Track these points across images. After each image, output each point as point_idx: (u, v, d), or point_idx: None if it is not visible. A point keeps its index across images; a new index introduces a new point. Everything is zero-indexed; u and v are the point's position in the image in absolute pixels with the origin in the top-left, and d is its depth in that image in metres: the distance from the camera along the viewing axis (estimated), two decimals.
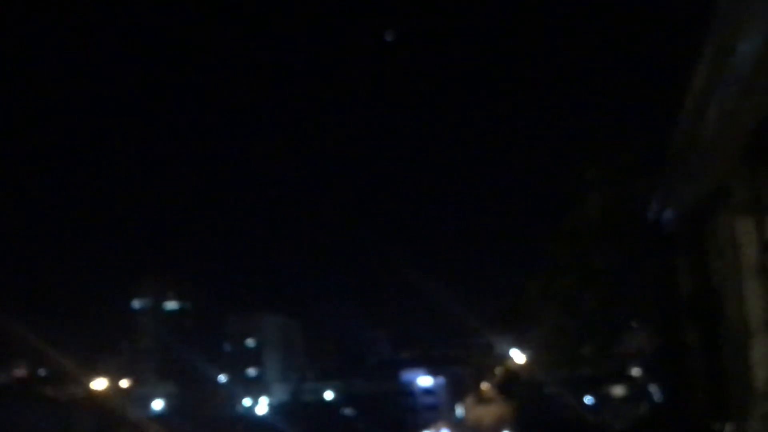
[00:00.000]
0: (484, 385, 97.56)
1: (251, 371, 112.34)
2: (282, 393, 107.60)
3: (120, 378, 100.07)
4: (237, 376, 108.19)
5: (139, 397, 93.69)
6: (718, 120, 6.22)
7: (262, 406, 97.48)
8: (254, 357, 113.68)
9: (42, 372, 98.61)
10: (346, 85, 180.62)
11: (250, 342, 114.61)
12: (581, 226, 14.49)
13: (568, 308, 15.33)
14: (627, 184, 13.25)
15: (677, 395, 10.73)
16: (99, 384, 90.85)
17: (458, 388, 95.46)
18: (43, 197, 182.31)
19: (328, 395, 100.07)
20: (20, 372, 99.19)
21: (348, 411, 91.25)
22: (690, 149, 7.39)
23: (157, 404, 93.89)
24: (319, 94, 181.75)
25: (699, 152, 7.09)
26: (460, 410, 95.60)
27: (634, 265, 13.90)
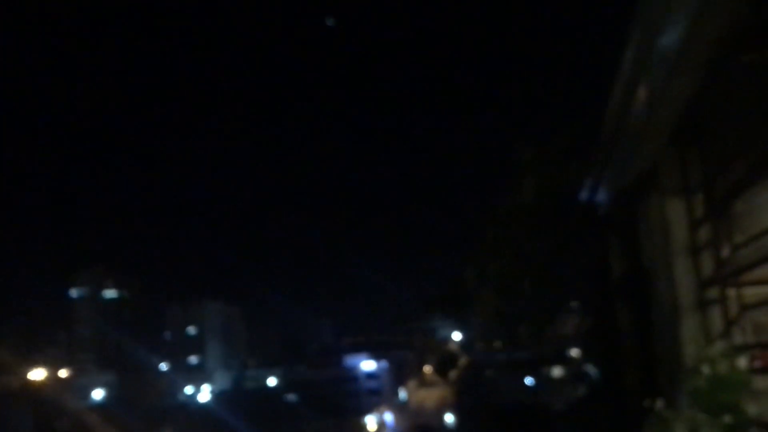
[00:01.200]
0: (426, 369, 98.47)
1: (193, 359, 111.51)
2: (224, 380, 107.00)
3: (58, 368, 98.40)
4: (178, 364, 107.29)
5: (78, 387, 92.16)
6: (647, 102, 6.25)
7: (205, 394, 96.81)
8: (195, 345, 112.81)
9: None
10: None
11: (191, 330, 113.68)
12: (516, 209, 14.53)
13: (504, 291, 15.36)
14: (561, 167, 13.31)
15: (611, 375, 10.90)
16: (37, 374, 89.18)
17: (401, 372, 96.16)
18: None
19: (271, 382, 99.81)
20: None
21: (291, 397, 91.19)
22: (620, 131, 7.33)
23: (97, 394, 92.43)
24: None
25: (629, 134, 7.10)
26: (402, 394, 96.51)
27: (568, 248, 14.00)
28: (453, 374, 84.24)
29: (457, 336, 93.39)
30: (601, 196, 9.50)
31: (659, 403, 5.37)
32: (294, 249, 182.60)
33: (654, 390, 6.71)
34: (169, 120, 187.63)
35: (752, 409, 5.28)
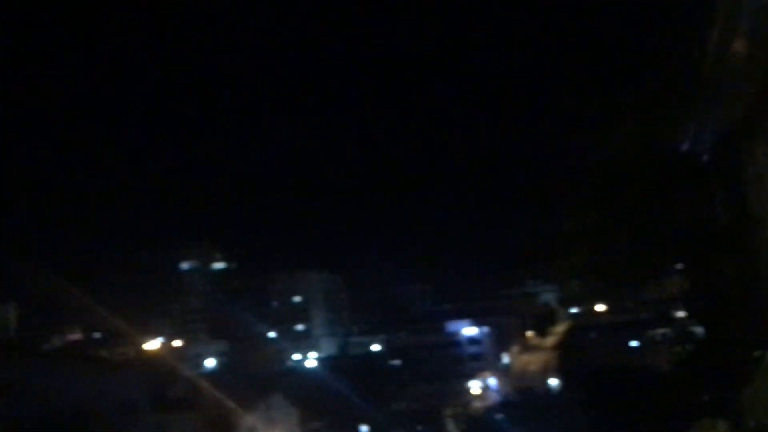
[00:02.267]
0: (529, 334, 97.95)
1: (299, 327, 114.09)
2: (330, 347, 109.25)
3: (172, 338, 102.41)
4: (285, 332, 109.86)
5: (191, 355, 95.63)
6: (750, 42, 5.91)
7: (311, 361, 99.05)
8: (301, 313, 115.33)
9: (96, 335, 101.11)
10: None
11: (296, 299, 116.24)
12: (611, 157, 13.63)
13: (599, 247, 14.49)
14: (660, 111, 12.39)
15: (717, 329, 10.57)
16: (152, 344, 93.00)
17: (503, 338, 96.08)
18: (94, 164, 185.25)
19: (375, 348, 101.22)
20: (74, 335, 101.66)
21: (395, 363, 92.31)
22: (722, 72, 6.95)
23: (209, 362, 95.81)
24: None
25: (732, 75, 6.73)
26: (505, 359, 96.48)
27: (669, 197, 13.14)
28: (555, 338, 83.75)
29: (556, 300, 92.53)
30: (704, 142, 8.96)
31: None
32: (394, 216, 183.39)
33: (763, 341, 6.46)
34: (269, 92, 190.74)
35: None
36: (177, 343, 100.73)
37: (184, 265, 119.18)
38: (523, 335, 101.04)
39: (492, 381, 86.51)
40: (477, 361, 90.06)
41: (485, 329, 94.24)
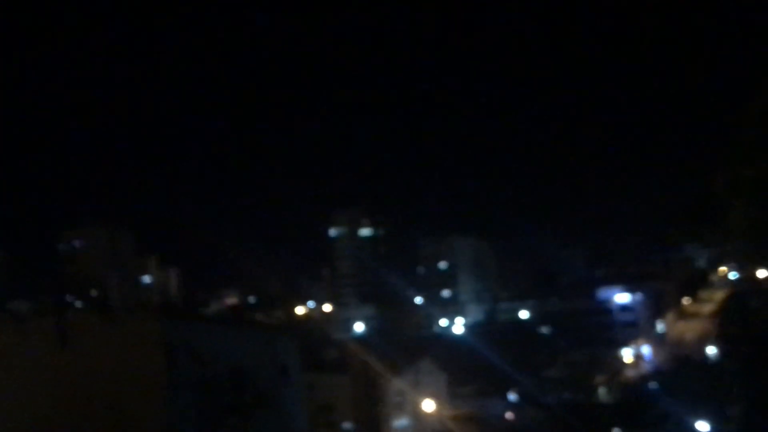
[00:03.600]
0: (685, 300, 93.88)
1: (446, 293, 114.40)
2: (477, 313, 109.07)
3: (322, 303, 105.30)
4: (432, 297, 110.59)
5: (341, 320, 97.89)
6: None
7: (458, 326, 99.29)
8: (448, 279, 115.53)
9: (251, 299, 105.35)
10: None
11: (443, 264, 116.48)
12: (766, 109, 12.41)
13: (761, 201, 13.20)
14: None
15: None
16: (304, 309, 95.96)
17: (657, 304, 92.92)
18: (249, 137, 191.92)
19: (523, 314, 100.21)
20: (232, 300, 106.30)
21: (544, 330, 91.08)
22: None
23: (359, 326, 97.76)
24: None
25: None
26: (660, 326, 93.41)
27: None
28: (713, 305, 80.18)
29: (714, 265, 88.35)
30: None
31: None
32: (545, 180, 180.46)
33: None
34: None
35: None
36: (327, 307, 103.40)
37: (334, 231, 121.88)
38: (679, 302, 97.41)
39: (645, 349, 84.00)
40: (630, 328, 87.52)
41: (638, 296, 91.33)
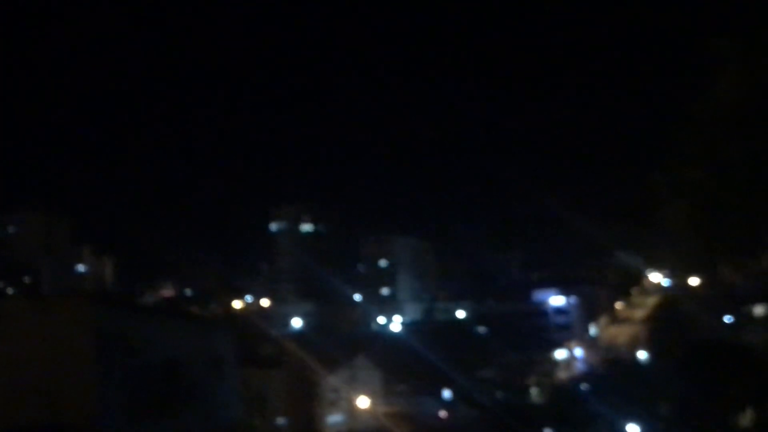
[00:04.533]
0: (619, 305, 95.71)
1: (385, 291, 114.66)
2: (415, 312, 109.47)
3: (260, 297, 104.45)
4: (371, 295, 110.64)
5: (279, 315, 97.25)
6: None
7: (396, 325, 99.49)
8: (388, 277, 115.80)
9: (187, 292, 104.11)
10: None
11: (383, 263, 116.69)
12: (712, 110, 12.53)
13: (700, 205, 13.33)
14: (763, 59, 11.35)
15: None
16: (241, 303, 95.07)
17: (591, 308, 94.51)
18: (190, 129, 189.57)
19: (460, 314, 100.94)
20: (168, 292, 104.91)
21: (480, 330, 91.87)
22: None
23: (296, 322, 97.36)
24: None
25: None
26: (593, 329, 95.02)
27: None
28: (645, 310, 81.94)
29: (652, 273, 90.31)
30: None
31: None
32: (483, 183, 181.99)
33: None
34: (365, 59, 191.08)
35: None
36: (265, 302, 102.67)
37: (275, 227, 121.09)
38: (612, 306, 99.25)
39: (578, 351, 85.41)
40: (564, 330, 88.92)
41: (573, 299, 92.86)
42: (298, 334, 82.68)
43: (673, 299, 74.67)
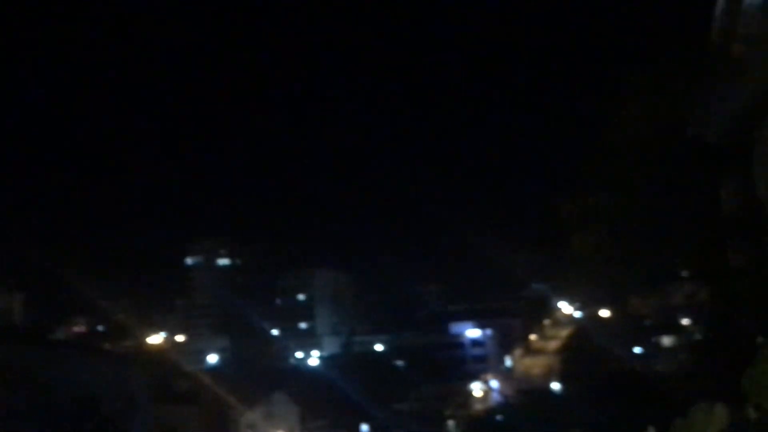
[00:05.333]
0: (533, 337, 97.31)
1: (303, 325, 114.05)
2: (333, 346, 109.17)
3: (175, 333, 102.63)
4: (289, 329, 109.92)
5: (194, 350, 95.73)
6: (759, 14, 5.62)
7: (314, 359, 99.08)
8: (306, 311, 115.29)
9: (100, 327, 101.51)
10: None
11: (301, 296, 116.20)
12: (620, 140, 13.22)
13: (608, 230, 14.01)
14: (668, 93, 12.03)
15: (724, 316, 10.33)
16: (155, 339, 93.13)
17: (506, 340, 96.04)
18: (101, 161, 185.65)
19: (379, 348, 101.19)
20: (79, 327, 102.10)
21: (398, 363, 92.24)
22: (730, 48, 6.56)
23: (212, 358, 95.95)
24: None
25: (741, 50, 6.37)
26: (508, 361, 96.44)
27: (677, 182, 12.76)
28: (558, 342, 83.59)
29: (565, 305, 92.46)
30: (713, 124, 8.40)
31: None
32: (401, 217, 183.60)
33: None
34: (280, 87, 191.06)
35: None
36: (180, 338, 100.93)
37: (191, 260, 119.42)
38: (527, 338, 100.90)
39: (494, 383, 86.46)
40: (480, 362, 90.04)
41: (489, 331, 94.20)
42: (214, 370, 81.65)
43: (584, 330, 76.43)
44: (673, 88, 11.88)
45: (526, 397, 63.99)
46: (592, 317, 78.06)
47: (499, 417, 59.91)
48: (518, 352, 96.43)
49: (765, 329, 6.25)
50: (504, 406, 67.61)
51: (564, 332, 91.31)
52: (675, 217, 13.20)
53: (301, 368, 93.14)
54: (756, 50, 6.10)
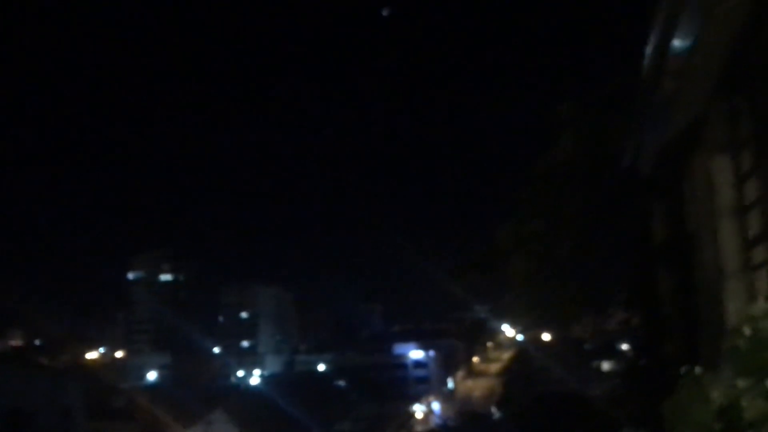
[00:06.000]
0: (475, 359, 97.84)
1: (245, 343, 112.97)
2: (275, 364, 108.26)
3: (115, 348, 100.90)
4: (231, 347, 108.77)
5: (133, 367, 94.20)
6: (688, 42, 5.70)
7: (255, 377, 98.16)
8: (248, 329, 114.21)
9: (37, 342, 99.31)
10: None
11: (244, 314, 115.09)
12: (553, 168, 13.67)
13: (539, 255, 14.52)
14: (600, 123, 12.49)
15: (653, 345, 10.58)
16: (93, 354, 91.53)
17: (449, 361, 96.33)
18: (41, 172, 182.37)
19: (321, 367, 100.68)
20: (16, 341, 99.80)
21: (340, 383, 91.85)
22: (660, 80, 6.63)
23: (151, 375, 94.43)
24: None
25: (670, 83, 6.46)
26: (450, 383, 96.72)
27: (608, 211, 13.21)
28: (499, 364, 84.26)
29: (507, 328, 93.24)
30: (644, 154, 8.46)
31: (697, 370, 4.69)
32: (347, 235, 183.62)
33: (696, 358, 6.40)
34: (223, 104, 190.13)
35: None
36: (119, 353, 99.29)
37: (132, 275, 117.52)
38: (469, 360, 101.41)
39: (436, 405, 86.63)
40: (423, 383, 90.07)
41: (432, 353, 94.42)
42: (153, 387, 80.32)
43: (525, 353, 77.20)
44: (605, 120, 12.32)
45: (466, 420, 64.39)
46: (533, 340, 79.08)
47: None
48: (460, 373, 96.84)
49: (689, 358, 6.43)
50: (444, 428, 67.88)
51: (505, 355, 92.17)
52: (607, 245, 13.70)
53: (242, 387, 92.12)
54: (684, 86, 6.26)
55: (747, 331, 4.57)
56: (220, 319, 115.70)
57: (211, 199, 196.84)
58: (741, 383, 4.34)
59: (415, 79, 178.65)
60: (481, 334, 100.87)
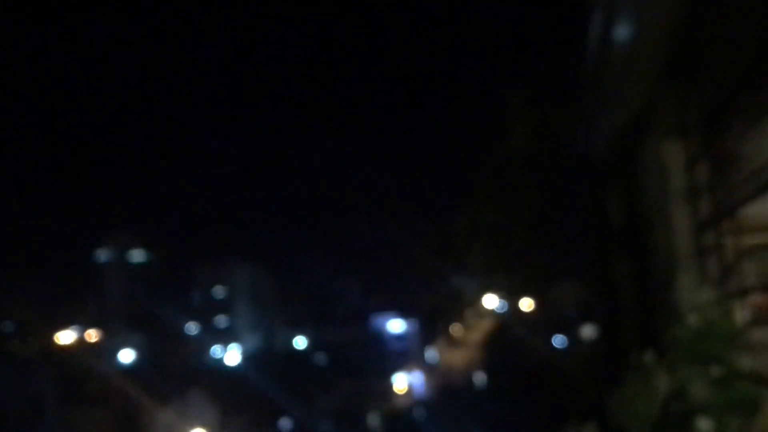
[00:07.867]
0: (454, 329, 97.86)
1: (221, 321, 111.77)
2: (252, 342, 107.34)
3: (86, 331, 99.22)
4: (207, 326, 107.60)
5: (107, 349, 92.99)
6: (632, 28, 5.62)
7: (233, 356, 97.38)
8: (224, 306, 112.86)
9: (6, 326, 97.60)
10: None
11: (219, 291, 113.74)
12: (507, 157, 13.65)
13: (495, 243, 14.54)
14: (553, 110, 12.33)
15: (610, 329, 10.42)
16: (65, 338, 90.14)
17: (428, 333, 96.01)
18: (3, 150, 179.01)
19: (300, 343, 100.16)
20: None
21: (319, 358, 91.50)
22: (607, 67, 6.84)
23: (126, 356, 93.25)
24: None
25: (617, 69, 6.57)
26: (431, 355, 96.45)
27: (563, 198, 13.22)
28: (479, 334, 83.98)
29: (488, 299, 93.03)
30: (597, 141, 8.65)
31: (649, 354, 4.89)
32: (322, 208, 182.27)
33: (648, 342, 6.23)
34: (201, 83, 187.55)
35: (746, 361, 4.78)
36: (91, 336, 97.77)
37: (102, 255, 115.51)
38: (449, 331, 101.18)
39: (416, 377, 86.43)
40: (402, 356, 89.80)
41: (411, 325, 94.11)
42: (127, 369, 79.45)
43: (505, 323, 76.95)
44: (556, 109, 12.19)
45: (446, 391, 64.10)
46: (513, 310, 78.81)
47: (420, 410, 59.84)
48: (441, 345, 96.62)
49: (644, 345, 6.15)
50: (425, 400, 67.59)
51: (485, 324, 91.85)
52: (564, 231, 13.91)
53: (219, 365, 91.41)
54: (630, 73, 6.26)
55: (693, 319, 4.82)
56: (195, 297, 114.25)
57: (183, 177, 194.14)
58: (686, 371, 4.54)
59: (364, 68, 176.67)
60: (460, 306, 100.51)
